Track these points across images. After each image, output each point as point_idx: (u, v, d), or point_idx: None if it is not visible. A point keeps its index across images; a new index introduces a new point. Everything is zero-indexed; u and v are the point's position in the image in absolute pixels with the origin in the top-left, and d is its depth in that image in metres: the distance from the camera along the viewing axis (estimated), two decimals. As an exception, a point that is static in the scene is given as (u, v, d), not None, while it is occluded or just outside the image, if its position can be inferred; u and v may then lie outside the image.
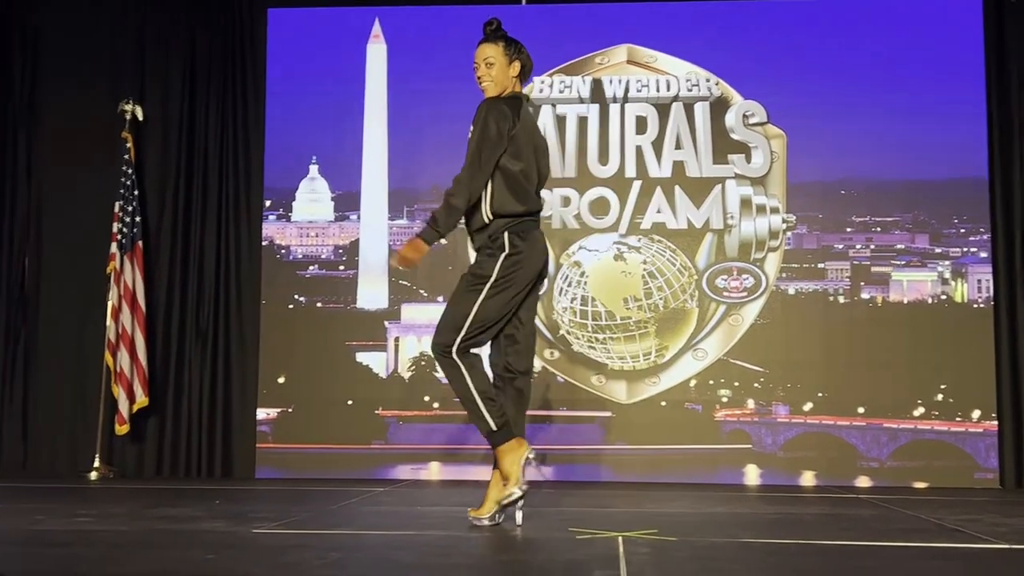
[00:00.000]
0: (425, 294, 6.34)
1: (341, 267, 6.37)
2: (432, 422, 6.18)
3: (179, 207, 6.44)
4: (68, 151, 6.44)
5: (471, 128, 3.76)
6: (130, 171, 6.25)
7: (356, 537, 3.51)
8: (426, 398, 6.22)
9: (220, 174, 6.44)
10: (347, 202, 6.42)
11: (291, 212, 6.39)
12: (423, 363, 6.26)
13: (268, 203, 6.39)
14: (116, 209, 6.22)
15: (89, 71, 6.51)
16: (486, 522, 3.74)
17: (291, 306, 6.34)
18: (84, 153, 6.44)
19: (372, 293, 6.34)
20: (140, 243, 6.27)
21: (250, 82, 6.46)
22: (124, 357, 6.11)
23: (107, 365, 6.13)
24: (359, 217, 6.40)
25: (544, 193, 4.12)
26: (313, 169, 6.40)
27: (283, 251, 6.40)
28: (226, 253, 6.43)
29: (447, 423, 6.17)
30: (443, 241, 6.25)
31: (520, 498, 3.70)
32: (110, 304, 6.15)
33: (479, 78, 3.84)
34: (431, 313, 6.31)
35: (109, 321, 6.14)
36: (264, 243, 6.37)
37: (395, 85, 6.41)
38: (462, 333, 3.72)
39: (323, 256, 6.40)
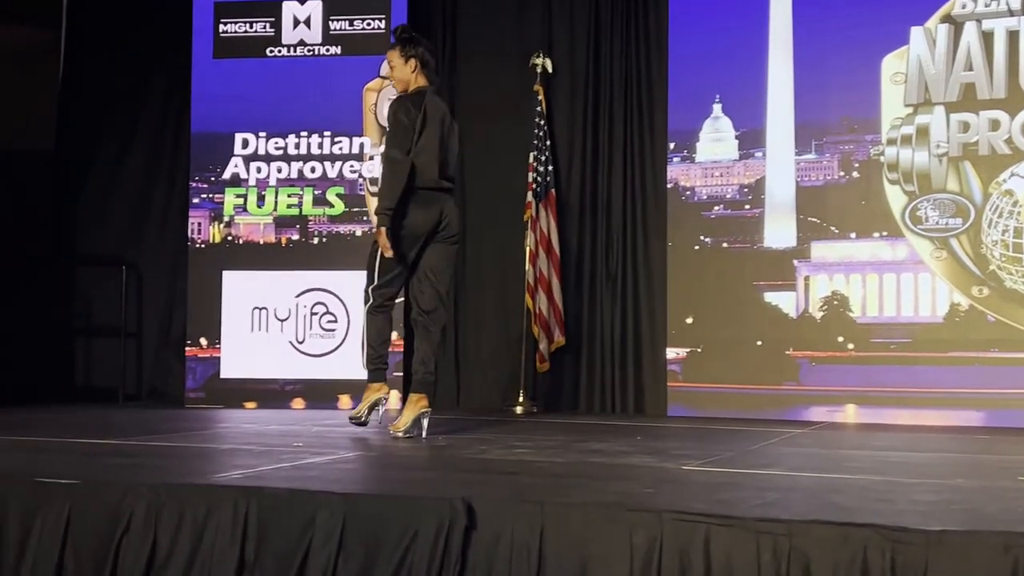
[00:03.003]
0: (836, 231, 6.11)
1: (747, 206, 6.29)
2: (847, 363, 5.97)
3: (587, 154, 6.66)
4: (484, 107, 6.83)
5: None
6: (542, 122, 6.54)
7: (788, 478, 3.48)
8: (840, 338, 6.01)
9: (625, 119, 6.57)
10: (751, 139, 6.30)
11: (695, 153, 6.38)
12: (836, 302, 6.05)
13: (672, 145, 6.42)
14: (530, 160, 6.54)
15: (499, 28, 6.86)
16: (401, 434, 4.52)
17: (696, 247, 6.35)
18: (499, 108, 6.81)
19: (780, 231, 6.20)
20: (553, 191, 6.56)
21: (652, 25, 6.52)
22: (542, 299, 6.45)
23: (527, 307, 6.51)
24: (764, 154, 6.26)
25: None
26: (716, 108, 6.34)
27: (688, 192, 6.42)
28: (632, 197, 6.57)
29: (863, 364, 5.93)
30: (855, 175, 6.05)
31: (355, 420, 4.71)
32: (528, 249, 6.50)
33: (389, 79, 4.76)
34: (842, 251, 6.09)
35: (527, 266, 6.49)
36: (669, 185, 6.42)
37: (799, 14, 6.18)
38: (374, 283, 4.60)
39: (728, 196, 6.34)
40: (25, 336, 6.80)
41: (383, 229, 4.46)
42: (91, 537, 3.03)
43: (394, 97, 4.71)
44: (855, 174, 6.08)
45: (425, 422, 4.63)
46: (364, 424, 4.74)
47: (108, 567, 2.99)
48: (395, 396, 6.49)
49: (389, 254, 4.50)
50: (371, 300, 4.65)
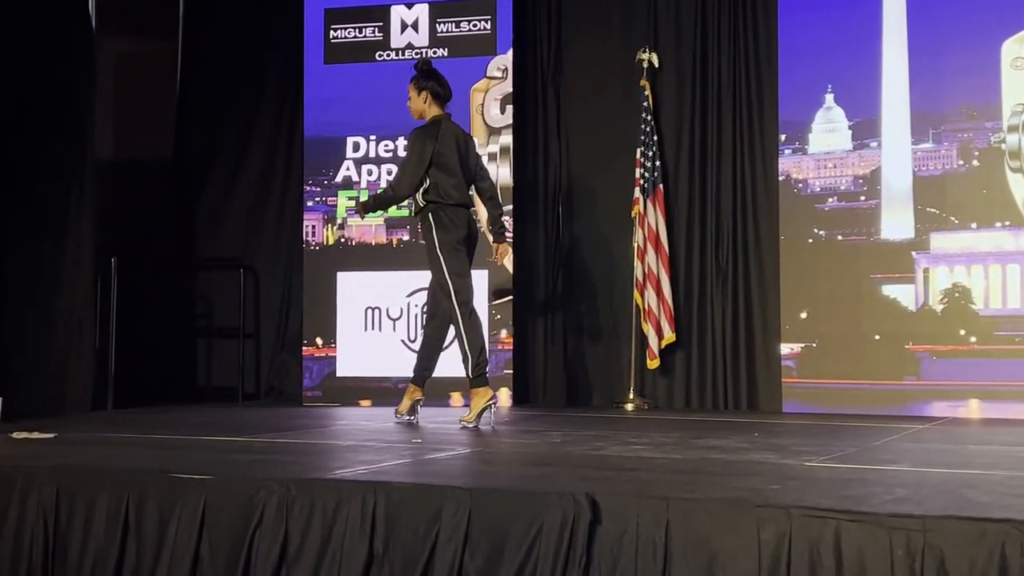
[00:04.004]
0: (956, 221, 5.94)
1: (862, 197, 6.15)
2: (970, 357, 5.80)
3: (695, 148, 6.60)
4: (590, 104, 6.83)
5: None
6: (649, 117, 6.50)
7: (916, 474, 3.40)
8: (962, 332, 5.84)
9: (734, 112, 6.49)
10: (866, 129, 6.16)
11: (807, 145, 6.27)
12: (957, 295, 5.88)
13: (783, 137, 6.32)
14: (637, 155, 6.51)
15: (604, 24, 6.85)
16: (472, 424, 5.00)
17: (810, 240, 6.24)
18: (604, 105, 6.80)
19: (897, 223, 6.06)
20: (661, 186, 6.52)
21: (761, 14, 6.43)
22: (651, 295, 6.42)
23: (636, 303, 6.48)
24: (879, 144, 6.12)
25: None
26: (828, 98, 6.22)
27: (800, 185, 6.31)
28: (742, 190, 6.49)
29: (987, 358, 5.75)
30: (975, 163, 5.88)
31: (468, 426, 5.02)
32: (636, 246, 6.48)
33: None
34: (963, 241, 5.92)
35: (636, 262, 6.47)
36: (780, 178, 6.32)
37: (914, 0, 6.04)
38: (452, 295, 5.09)
39: (842, 187, 6.21)
40: (150, 338, 7.05)
41: (361, 209, 5.31)
42: (225, 530, 3.13)
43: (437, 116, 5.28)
44: (975, 162, 5.90)
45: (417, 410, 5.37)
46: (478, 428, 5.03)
47: (242, 559, 3.09)
48: (505, 393, 6.56)
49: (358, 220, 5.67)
50: (457, 309, 5.09)
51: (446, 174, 5.10)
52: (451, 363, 6.47)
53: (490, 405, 5.01)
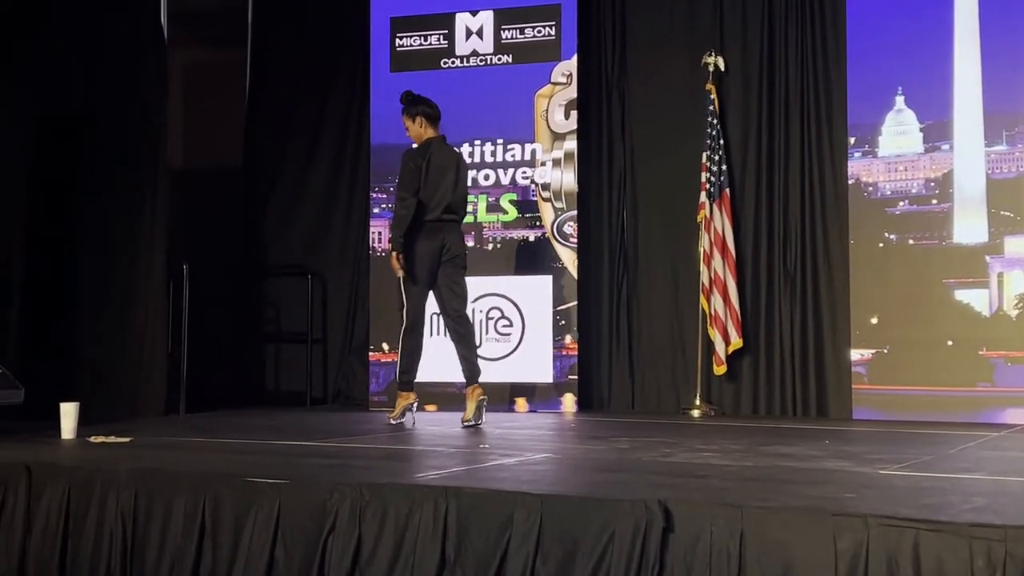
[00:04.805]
0: (1033, 225, 5.81)
1: (934, 201, 6.04)
2: (1047, 363, 5.67)
3: (762, 152, 6.54)
4: (656, 108, 6.81)
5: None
6: (715, 121, 6.46)
7: (995, 482, 3.33)
8: (1038, 337, 5.72)
9: (801, 115, 6.43)
10: (937, 132, 6.05)
11: (877, 148, 6.18)
12: (1033, 299, 5.76)
13: (852, 140, 6.23)
14: (703, 159, 6.47)
15: (670, 28, 6.82)
16: (472, 422, 5.40)
17: (881, 244, 6.14)
18: (670, 109, 6.77)
19: (970, 226, 5.94)
20: (727, 191, 6.47)
21: (829, 15, 6.36)
22: (718, 301, 6.37)
23: (702, 309, 6.44)
24: (951, 147, 6.01)
25: None
26: (899, 100, 6.12)
27: (870, 188, 6.22)
28: (811, 194, 6.41)
29: (1065, 364, 5.62)
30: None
31: (393, 422, 5.47)
32: (702, 250, 6.44)
33: None
34: (1043, 245, 5.79)
35: (702, 267, 6.43)
36: (850, 182, 6.23)
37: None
38: (404, 306, 5.42)
39: (913, 191, 6.11)
40: (221, 343, 7.16)
41: (395, 254, 5.36)
42: (300, 534, 3.18)
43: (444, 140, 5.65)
44: (1042, 167, 5.78)
45: (483, 409, 5.42)
46: (401, 424, 5.49)
47: (316, 563, 3.13)
48: (570, 399, 6.56)
49: (400, 274, 5.39)
50: (404, 321, 5.46)
51: (428, 192, 5.37)
52: (511, 369, 6.52)
53: (411, 406, 5.53)
